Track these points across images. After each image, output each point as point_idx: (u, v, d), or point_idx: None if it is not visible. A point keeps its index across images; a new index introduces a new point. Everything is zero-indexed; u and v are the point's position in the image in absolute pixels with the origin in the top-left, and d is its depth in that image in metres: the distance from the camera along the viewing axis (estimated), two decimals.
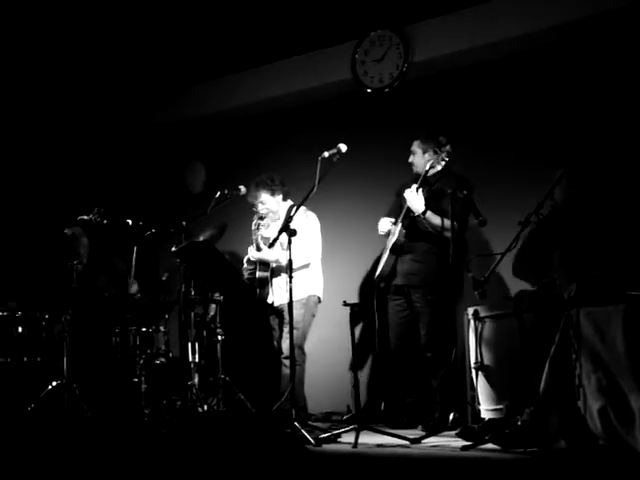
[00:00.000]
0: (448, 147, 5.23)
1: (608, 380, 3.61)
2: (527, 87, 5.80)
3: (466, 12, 5.89)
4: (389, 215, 5.62)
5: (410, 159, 5.55)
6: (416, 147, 5.52)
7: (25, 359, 5.56)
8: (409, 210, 5.35)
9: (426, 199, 5.28)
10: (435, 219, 5.29)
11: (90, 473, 3.66)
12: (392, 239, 5.42)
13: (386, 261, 5.43)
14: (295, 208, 5.14)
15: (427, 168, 5.29)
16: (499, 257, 4.28)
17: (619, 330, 3.58)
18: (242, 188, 5.76)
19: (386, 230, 5.51)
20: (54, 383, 5.27)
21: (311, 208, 5.60)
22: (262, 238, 5.73)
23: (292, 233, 4.75)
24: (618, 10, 5.35)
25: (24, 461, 3.91)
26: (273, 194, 5.75)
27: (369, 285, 5.57)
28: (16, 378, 5.44)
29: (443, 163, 5.26)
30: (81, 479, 3.62)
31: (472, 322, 4.65)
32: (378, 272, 5.48)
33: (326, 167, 4.81)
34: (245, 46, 6.82)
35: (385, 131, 6.28)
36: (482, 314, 4.59)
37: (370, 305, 5.68)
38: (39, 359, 5.59)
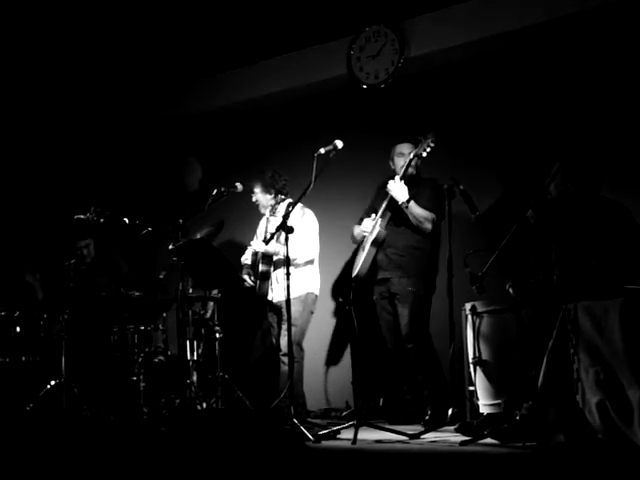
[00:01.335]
0: (432, 134, 5.23)
1: (606, 374, 3.61)
2: (524, 82, 5.78)
3: (462, 7, 5.87)
4: (368, 212, 5.65)
5: (398, 162, 5.50)
6: (405, 149, 5.50)
7: (23, 359, 5.57)
8: (390, 203, 5.37)
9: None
10: (417, 209, 5.34)
11: (89, 472, 3.67)
12: (372, 235, 5.42)
13: (365, 259, 5.42)
14: (292, 205, 5.14)
15: (411, 157, 5.32)
16: (496, 252, 4.26)
17: (617, 324, 3.58)
18: (239, 185, 5.76)
19: (369, 229, 5.51)
20: (53, 382, 5.29)
21: (306, 204, 5.60)
22: (269, 233, 5.73)
23: (289, 230, 4.74)
24: (617, 3, 5.33)
25: (23, 461, 3.92)
26: (264, 190, 5.79)
27: (354, 283, 5.54)
28: (15, 378, 5.46)
29: (429, 149, 5.23)
30: (80, 478, 3.63)
31: (470, 317, 4.66)
32: (357, 271, 5.46)
33: (322, 164, 4.79)
34: (239, 43, 6.80)
35: (381, 127, 6.27)
36: (480, 309, 4.59)
37: (356, 303, 5.67)
38: (37, 359, 5.60)
